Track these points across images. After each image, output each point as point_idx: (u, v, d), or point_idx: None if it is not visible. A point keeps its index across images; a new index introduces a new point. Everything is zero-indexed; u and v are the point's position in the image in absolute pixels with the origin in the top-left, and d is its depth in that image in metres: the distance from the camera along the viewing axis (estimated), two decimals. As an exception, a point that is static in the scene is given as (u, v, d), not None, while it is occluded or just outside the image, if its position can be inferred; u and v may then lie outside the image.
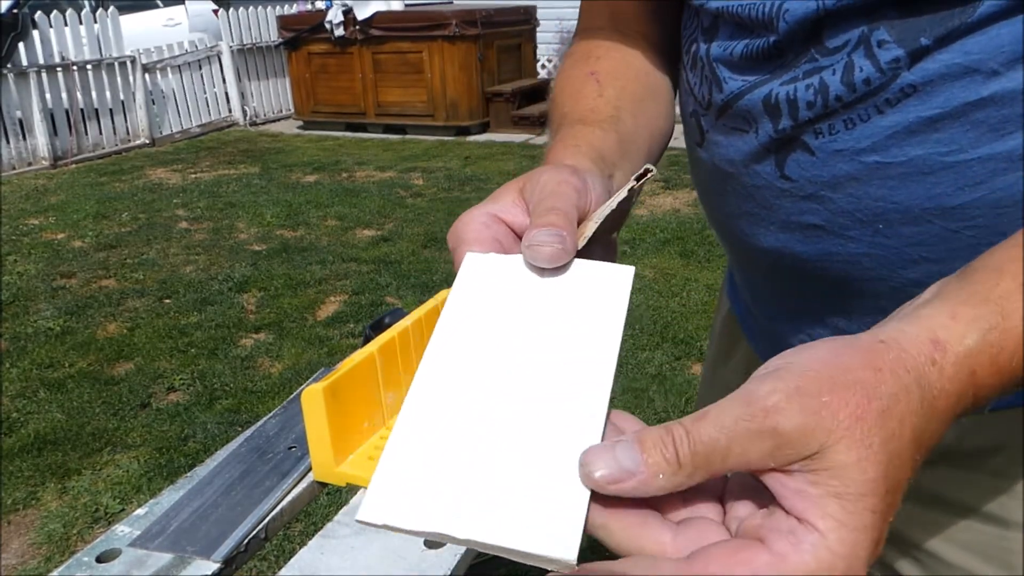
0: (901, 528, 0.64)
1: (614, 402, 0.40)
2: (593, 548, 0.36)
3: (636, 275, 0.44)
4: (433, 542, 0.73)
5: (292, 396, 0.97)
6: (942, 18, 0.46)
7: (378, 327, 0.95)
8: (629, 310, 0.43)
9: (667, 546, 0.34)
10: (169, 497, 0.80)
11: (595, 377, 0.40)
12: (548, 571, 0.35)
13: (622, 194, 0.46)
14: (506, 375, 0.40)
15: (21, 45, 6.43)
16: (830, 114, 0.51)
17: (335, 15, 7.45)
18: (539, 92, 8.08)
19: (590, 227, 0.44)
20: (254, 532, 0.75)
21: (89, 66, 6.95)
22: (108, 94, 7.16)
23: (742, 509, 0.36)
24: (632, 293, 0.44)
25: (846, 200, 0.52)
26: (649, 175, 0.46)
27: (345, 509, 0.77)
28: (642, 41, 0.68)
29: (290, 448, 0.88)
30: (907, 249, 0.52)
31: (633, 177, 0.46)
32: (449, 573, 0.69)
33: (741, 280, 0.74)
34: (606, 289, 0.43)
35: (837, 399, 0.33)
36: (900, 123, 0.49)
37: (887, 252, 0.52)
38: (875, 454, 0.33)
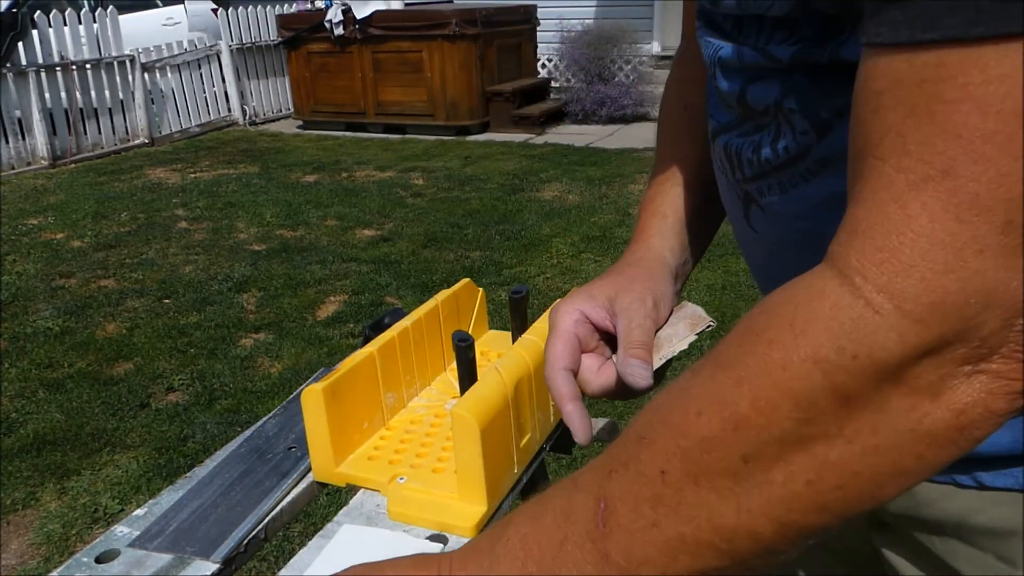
0: None
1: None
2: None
3: None
4: (436, 536, 0.72)
5: (292, 396, 0.97)
6: (843, 89, 0.40)
7: (378, 327, 0.95)
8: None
9: None
10: (168, 497, 0.80)
11: None
12: None
13: (683, 345, 0.58)
14: None
15: (20, 45, 6.42)
16: (766, 175, 0.51)
17: (335, 14, 7.44)
18: (539, 91, 8.07)
19: (657, 360, 0.57)
20: (254, 532, 0.74)
21: (88, 66, 6.95)
22: (107, 94, 7.16)
23: None
24: None
25: (796, 261, 0.47)
26: (709, 327, 0.59)
27: (345, 509, 0.77)
28: None
29: (290, 448, 0.87)
30: None
31: (696, 332, 0.58)
32: (449, 574, 0.68)
33: None
34: None
35: None
36: (821, 193, 0.48)
37: None
38: None
